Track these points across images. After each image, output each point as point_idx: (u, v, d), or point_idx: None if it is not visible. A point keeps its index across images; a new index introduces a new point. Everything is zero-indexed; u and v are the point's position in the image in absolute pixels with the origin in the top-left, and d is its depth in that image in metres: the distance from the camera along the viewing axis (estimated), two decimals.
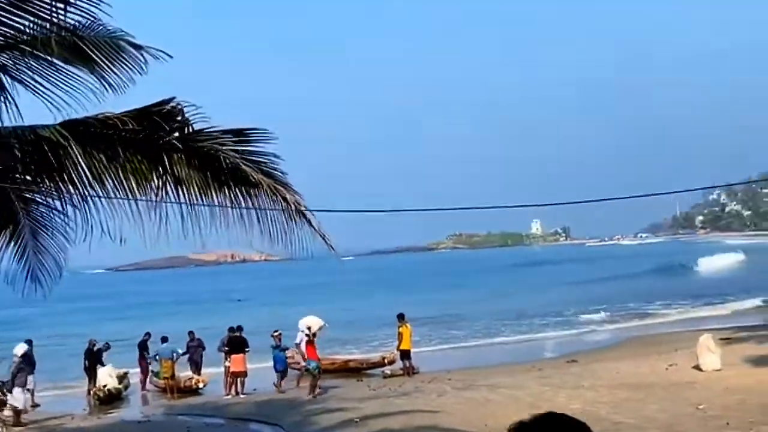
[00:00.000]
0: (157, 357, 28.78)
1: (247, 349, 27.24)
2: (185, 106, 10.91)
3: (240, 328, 28.23)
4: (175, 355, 28.64)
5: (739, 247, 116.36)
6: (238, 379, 27.04)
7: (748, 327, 34.64)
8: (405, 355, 28.53)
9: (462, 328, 46.17)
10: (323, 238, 10.62)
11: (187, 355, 29.91)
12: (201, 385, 28.64)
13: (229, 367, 27.13)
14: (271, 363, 27.75)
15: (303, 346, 26.51)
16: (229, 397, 26.56)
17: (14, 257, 14.75)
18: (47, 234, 14.73)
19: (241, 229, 10.85)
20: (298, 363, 32.56)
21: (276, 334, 28.12)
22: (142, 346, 30.36)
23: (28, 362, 27.38)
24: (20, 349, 26.33)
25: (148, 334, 30.75)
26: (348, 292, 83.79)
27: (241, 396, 26.30)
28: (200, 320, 56.22)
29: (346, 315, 50.68)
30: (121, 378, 29.10)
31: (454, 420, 19.71)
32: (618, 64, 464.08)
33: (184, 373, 29.42)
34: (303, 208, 10.48)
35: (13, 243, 14.61)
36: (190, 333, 30.40)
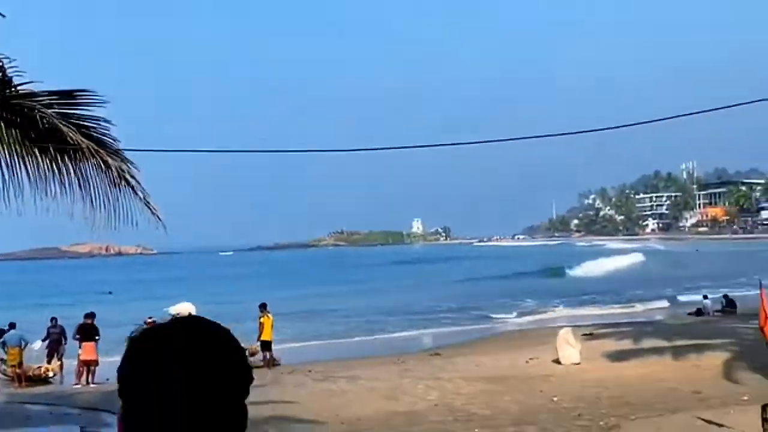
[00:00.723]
0: (4, 344, 27.32)
1: (97, 337, 26.02)
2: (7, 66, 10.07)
3: (92, 315, 26.96)
4: (23, 342, 27.23)
5: (621, 251, 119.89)
6: (88, 368, 25.86)
7: (612, 324, 35.14)
8: (266, 346, 27.78)
9: (333, 323, 45.65)
10: (148, 206, 9.85)
11: (46, 342, 28.40)
12: (51, 373, 27.30)
13: (80, 355, 25.97)
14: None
15: None
16: (79, 386, 25.40)
17: None
18: None
19: (61, 197, 10.02)
20: None
21: (149, 321, 26.75)
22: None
23: None
24: None
25: None
26: (224, 286, 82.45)
27: (92, 385, 25.16)
28: (66, 311, 54.50)
29: (219, 308, 49.51)
30: None
31: (307, 411, 19.20)
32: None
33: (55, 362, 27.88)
34: (127, 175, 9.71)
35: None
36: (53, 319, 28.79)
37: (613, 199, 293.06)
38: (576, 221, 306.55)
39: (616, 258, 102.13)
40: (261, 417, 18.63)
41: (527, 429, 16.30)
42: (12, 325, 27.94)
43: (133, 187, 9.77)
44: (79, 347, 26.07)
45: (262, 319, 27.80)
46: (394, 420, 17.95)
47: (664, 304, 48.06)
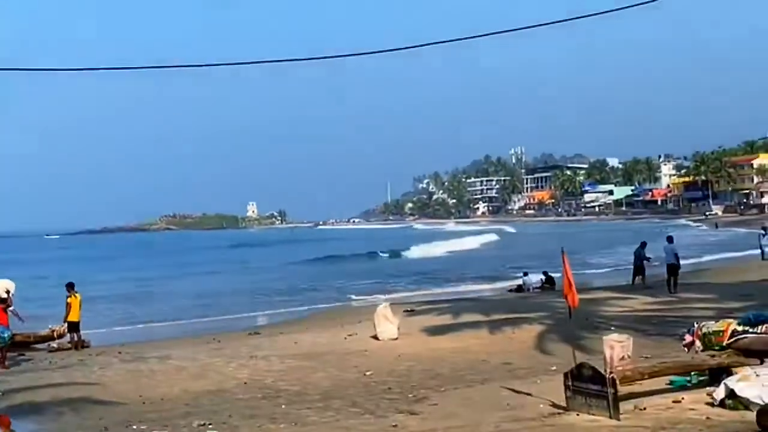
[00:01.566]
0: None
1: None
2: None
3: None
4: None
5: (457, 234, 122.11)
6: None
7: (435, 300, 35.27)
8: (73, 327, 26.43)
9: (155, 306, 44.18)
10: None
11: None
12: None
13: None
14: None
15: None
16: None
17: None
18: None
19: None
20: None
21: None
22: None
23: None
24: None
25: None
26: (45, 268, 79.17)
27: None
28: None
29: (37, 290, 47.25)
30: None
31: (109, 392, 18.39)
32: None
33: None
34: None
35: None
36: None
37: (446, 183, 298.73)
38: (410, 205, 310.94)
39: (454, 241, 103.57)
40: (60, 399, 17.77)
41: (335, 403, 15.87)
42: None
43: None
44: None
45: (69, 299, 26.40)
46: (200, 399, 17.22)
47: (490, 283, 48.64)
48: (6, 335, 23.53)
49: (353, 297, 43.25)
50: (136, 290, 55.45)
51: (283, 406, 15.88)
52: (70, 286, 26.92)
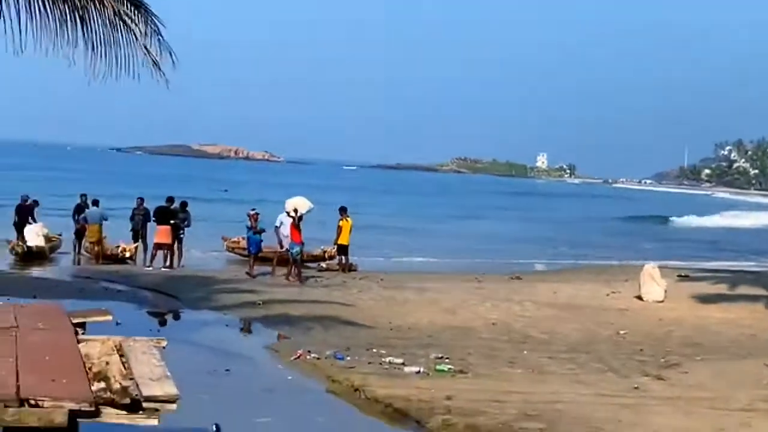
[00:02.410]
0: (86, 220, 27.34)
1: (172, 221, 25.62)
2: None
3: (171, 200, 26.62)
4: (103, 220, 27.21)
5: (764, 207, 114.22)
6: (161, 252, 25.66)
7: (714, 269, 33.18)
8: (342, 250, 27.09)
9: (432, 242, 44.50)
10: (148, 54, 9.01)
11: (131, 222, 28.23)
12: (127, 254, 27.29)
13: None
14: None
15: (286, 229, 24.88)
16: (150, 268, 25.25)
17: None
18: None
19: (62, 39, 9.27)
20: (242, 248, 31.35)
21: (252, 213, 26.31)
22: (77, 209, 28.93)
23: None
24: None
25: (83, 196, 29.24)
26: (340, 196, 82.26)
27: (163, 269, 24.97)
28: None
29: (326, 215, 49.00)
30: (50, 238, 27.77)
31: (360, 314, 18.57)
32: None
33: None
34: (125, 17, 8.86)
35: None
36: (139, 200, 28.48)
37: (749, 152, 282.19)
38: (707, 171, 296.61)
39: (759, 213, 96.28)
40: (313, 314, 18.18)
41: (580, 357, 15.19)
42: (95, 203, 27.89)
43: (132, 31, 8.93)
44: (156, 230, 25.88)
45: (340, 223, 27.04)
46: (445, 332, 17.07)
47: None
48: (295, 250, 24.29)
49: (628, 257, 41.52)
50: (415, 225, 56.29)
51: (525, 352, 15.40)
52: (343, 210, 27.58)
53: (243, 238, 32.47)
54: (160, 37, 11.11)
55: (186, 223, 26.36)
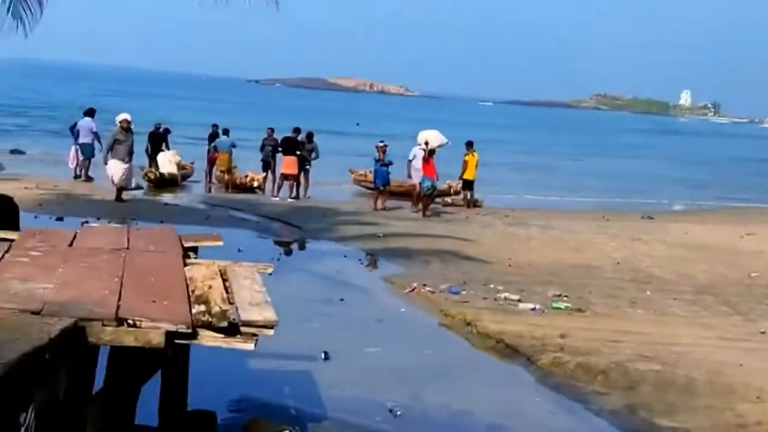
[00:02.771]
0: (216, 149, 27.80)
1: (298, 152, 25.72)
2: None
3: (297, 130, 26.69)
4: (232, 149, 27.61)
5: None
6: (287, 182, 25.88)
7: None
8: (467, 185, 26.72)
9: (566, 180, 43.64)
10: None
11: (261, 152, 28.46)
12: (256, 183, 27.66)
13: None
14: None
15: (418, 162, 24.84)
16: (276, 198, 25.53)
17: None
18: None
19: None
20: (369, 181, 31.38)
21: (380, 145, 25.68)
22: (209, 138, 29.46)
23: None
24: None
25: (215, 126, 29.73)
26: (476, 133, 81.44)
27: (289, 200, 25.20)
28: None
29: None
30: (182, 166, 28.37)
31: (480, 250, 18.34)
32: None
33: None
34: None
35: None
36: (269, 129, 28.57)
37: None
38: None
39: None
40: (432, 249, 18.05)
41: (706, 299, 14.62)
42: (225, 132, 28.30)
43: None
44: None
45: (466, 158, 26.63)
46: (566, 271, 16.66)
47: None
48: (426, 185, 24.15)
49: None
50: (548, 162, 55.35)
51: (648, 293, 14.92)
52: (469, 145, 27.16)
53: (370, 171, 32.55)
54: None
55: (313, 154, 26.41)
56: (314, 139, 26.76)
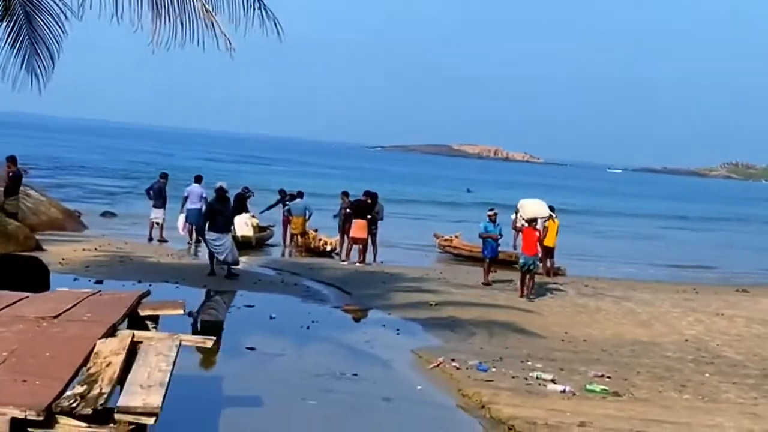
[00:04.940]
0: (290, 212, 27.20)
1: (369, 216, 24.83)
2: None
3: (367, 194, 25.77)
4: (307, 213, 26.98)
5: None
6: (356, 246, 25.01)
7: None
8: (547, 252, 25.13)
9: (666, 249, 41.65)
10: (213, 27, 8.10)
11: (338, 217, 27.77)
12: (329, 247, 26.93)
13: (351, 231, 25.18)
14: None
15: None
16: (345, 262, 24.67)
17: (7, 43, 13.27)
18: (41, 18, 13.17)
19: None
20: (454, 246, 30.29)
21: (491, 213, 23.11)
22: (276, 203, 29.13)
23: (157, 196, 26.91)
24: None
25: (281, 192, 29.36)
26: (601, 200, 79.36)
27: (357, 264, 24.29)
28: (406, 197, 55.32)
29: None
30: (261, 228, 27.87)
31: (537, 322, 17.07)
32: None
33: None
34: None
35: (5, 25, 13.11)
36: (343, 193, 27.68)
37: None
38: None
39: None
40: (484, 319, 16.93)
41: None
42: (300, 194, 27.75)
43: None
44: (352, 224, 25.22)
45: (546, 224, 25.07)
46: (623, 347, 15.22)
47: None
48: (520, 262, 20.73)
49: None
50: (660, 232, 53.12)
51: (706, 375, 13.36)
52: (550, 210, 25.71)
53: (456, 237, 31.48)
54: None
55: (380, 216, 25.49)
56: (378, 200, 25.74)
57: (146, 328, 8.73)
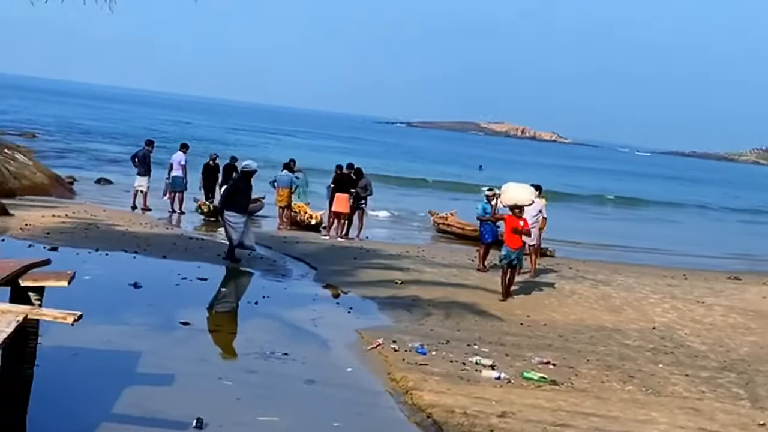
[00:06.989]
0: (275, 184, 26.62)
1: (352, 190, 24.24)
2: None
3: (351, 167, 25.17)
4: (293, 185, 26.39)
5: None
6: (337, 221, 24.47)
7: None
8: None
9: (670, 231, 40.95)
10: None
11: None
12: (313, 221, 26.41)
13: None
14: None
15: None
16: (327, 237, 24.17)
17: None
18: None
19: None
20: (448, 224, 29.65)
21: (490, 194, 21.33)
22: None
23: (142, 163, 26.61)
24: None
25: (292, 161, 28.70)
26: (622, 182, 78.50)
27: (338, 238, 23.77)
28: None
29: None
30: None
31: (502, 305, 16.62)
32: None
33: None
34: None
35: None
36: (337, 167, 26.95)
37: None
38: None
39: None
40: (446, 300, 16.43)
41: (726, 377, 12.40)
42: (287, 166, 27.11)
43: None
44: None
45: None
46: (582, 334, 14.58)
47: None
48: (512, 255, 20.14)
49: None
50: (675, 216, 52.30)
51: (660, 365, 12.73)
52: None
53: (451, 214, 30.83)
54: None
55: (368, 192, 24.91)
56: (363, 175, 25.11)
57: (28, 299, 8.24)
